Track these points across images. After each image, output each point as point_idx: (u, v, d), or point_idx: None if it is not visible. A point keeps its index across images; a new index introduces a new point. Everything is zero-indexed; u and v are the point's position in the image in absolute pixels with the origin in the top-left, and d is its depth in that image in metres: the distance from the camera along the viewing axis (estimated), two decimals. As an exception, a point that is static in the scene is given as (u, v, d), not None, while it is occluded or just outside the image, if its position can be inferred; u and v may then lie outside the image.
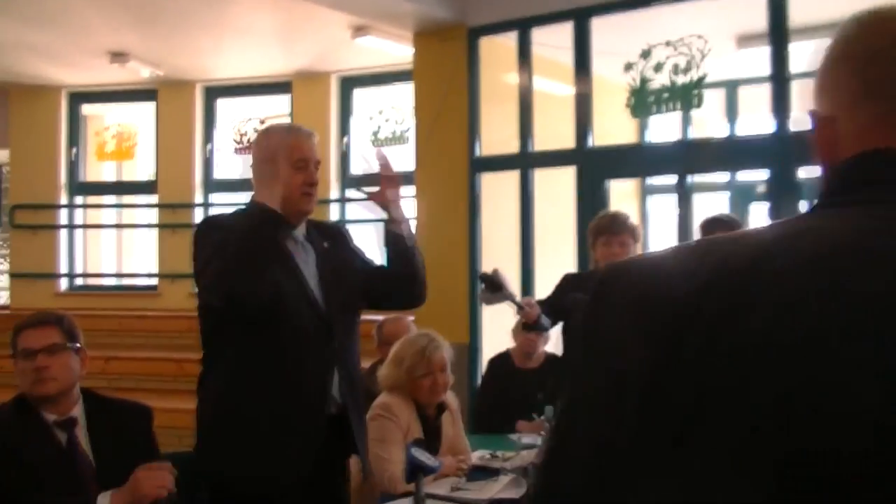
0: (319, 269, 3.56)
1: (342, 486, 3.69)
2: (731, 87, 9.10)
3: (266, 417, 3.36)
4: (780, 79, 6.51)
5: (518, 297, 5.19)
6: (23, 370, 3.46)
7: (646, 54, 6.93)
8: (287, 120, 10.09)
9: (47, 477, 3.30)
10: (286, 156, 3.49)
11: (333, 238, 3.76)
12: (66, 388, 3.49)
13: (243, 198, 9.68)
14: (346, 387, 3.53)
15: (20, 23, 8.29)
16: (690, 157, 7.22)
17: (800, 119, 6.69)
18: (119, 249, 12.22)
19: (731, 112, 9.25)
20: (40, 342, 3.48)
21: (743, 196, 8.80)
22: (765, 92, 6.71)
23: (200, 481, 3.42)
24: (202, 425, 3.51)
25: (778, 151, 6.52)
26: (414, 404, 4.50)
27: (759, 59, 6.98)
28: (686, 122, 8.13)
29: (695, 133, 8.39)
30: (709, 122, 9.37)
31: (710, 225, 5.16)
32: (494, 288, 4.98)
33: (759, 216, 8.46)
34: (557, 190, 7.65)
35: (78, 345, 3.58)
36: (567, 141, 7.41)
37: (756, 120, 8.95)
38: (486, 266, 6.19)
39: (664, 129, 8.78)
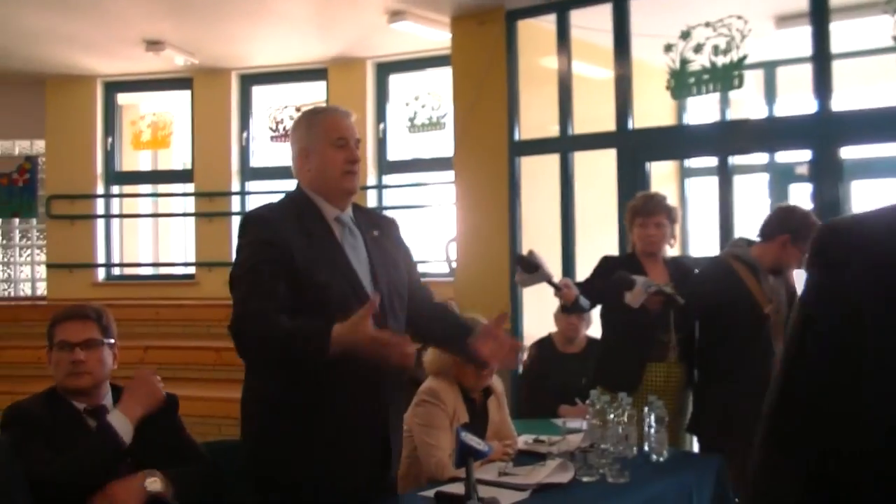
0: (370, 256, 3.47)
1: (393, 474, 3.66)
2: (770, 67, 9.03)
3: (323, 421, 3.29)
4: (821, 58, 6.45)
5: (555, 278, 5.16)
6: (58, 361, 3.50)
7: (685, 35, 6.90)
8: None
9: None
10: (325, 135, 3.45)
11: (382, 228, 3.65)
12: (99, 381, 3.54)
13: (280, 185, 9.69)
14: (396, 376, 3.47)
15: (55, 12, 8.29)
16: (730, 138, 7.17)
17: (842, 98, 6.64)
18: (156, 238, 12.25)
19: (770, 93, 9.17)
20: (79, 336, 3.51)
21: (783, 177, 8.71)
22: (804, 72, 6.65)
23: (252, 483, 3.40)
24: (253, 427, 3.44)
25: (820, 132, 6.48)
26: (460, 389, 4.46)
27: (798, 39, 6.93)
28: (724, 103, 8.07)
29: (734, 114, 8.33)
30: (747, 103, 9.29)
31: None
32: (530, 269, 4.95)
33: (800, 197, 8.40)
34: (598, 172, 7.63)
35: (112, 340, 3.62)
36: (607, 123, 7.38)
37: (795, 100, 8.89)
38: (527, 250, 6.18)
39: (703, 110, 8.74)
